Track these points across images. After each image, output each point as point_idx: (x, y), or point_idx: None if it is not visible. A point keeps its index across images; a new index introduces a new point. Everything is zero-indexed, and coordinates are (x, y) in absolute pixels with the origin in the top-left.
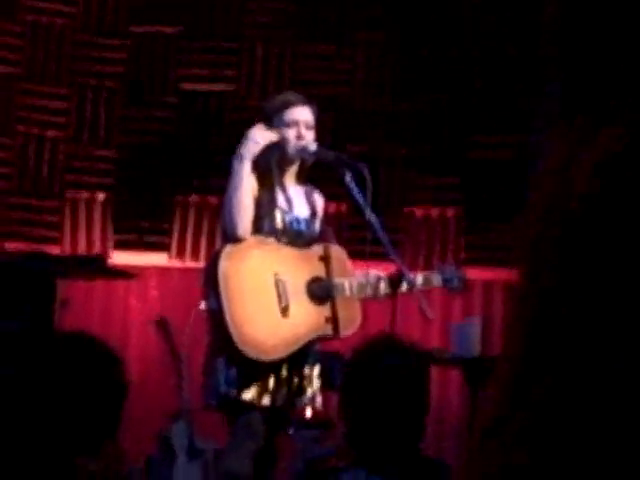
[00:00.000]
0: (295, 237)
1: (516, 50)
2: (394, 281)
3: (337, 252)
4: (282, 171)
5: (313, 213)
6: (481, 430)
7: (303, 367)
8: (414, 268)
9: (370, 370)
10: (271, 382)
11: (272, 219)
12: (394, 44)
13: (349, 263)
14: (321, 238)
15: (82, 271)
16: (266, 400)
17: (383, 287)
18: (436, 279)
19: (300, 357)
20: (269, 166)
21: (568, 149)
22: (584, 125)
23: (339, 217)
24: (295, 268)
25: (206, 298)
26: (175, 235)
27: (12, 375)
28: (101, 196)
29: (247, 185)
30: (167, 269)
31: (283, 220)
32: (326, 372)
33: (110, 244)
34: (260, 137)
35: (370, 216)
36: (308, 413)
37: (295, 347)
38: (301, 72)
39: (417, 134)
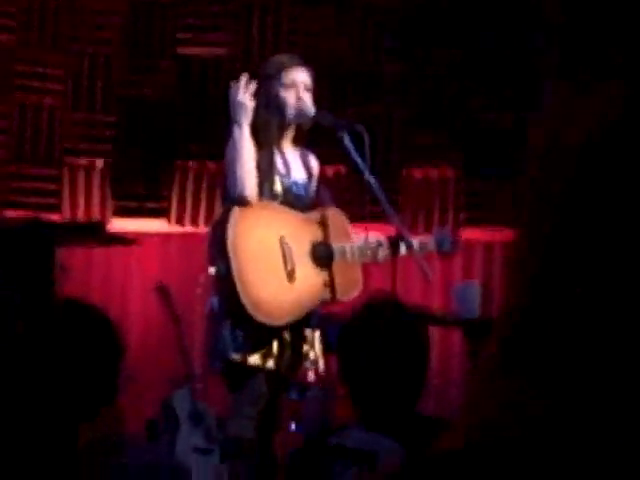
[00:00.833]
0: (294, 201)
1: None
2: (393, 244)
3: (336, 215)
4: (280, 135)
5: (310, 176)
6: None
7: (305, 330)
8: (414, 230)
9: (366, 328)
10: (275, 346)
11: (272, 183)
12: (396, 4)
13: (349, 226)
14: (318, 200)
15: (81, 238)
16: (270, 364)
17: (383, 251)
18: (431, 244)
19: (302, 320)
20: (268, 130)
21: (568, 99)
22: (583, 78)
23: (338, 179)
24: (299, 232)
25: (212, 261)
26: (174, 201)
27: (11, 342)
28: (99, 163)
29: (249, 149)
30: (166, 235)
31: (282, 184)
32: (323, 335)
33: (109, 211)
34: (241, 97)
35: (369, 178)
36: (311, 377)
37: (301, 311)
38: (299, 35)
39: (415, 95)
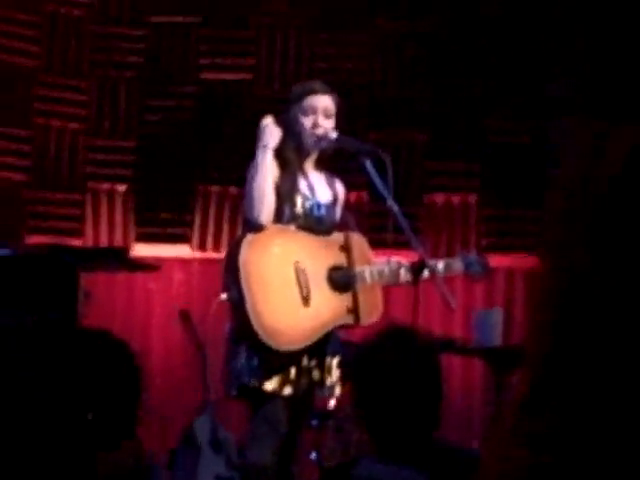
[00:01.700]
0: (316, 223)
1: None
2: (415, 268)
3: (358, 240)
4: (302, 158)
5: (334, 199)
6: (511, 418)
7: (324, 357)
8: (435, 256)
9: (376, 360)
10: (292, 372)
11: (293, 204)
12: (412, 30)
13: (370, 251)
14: (342, 224)
15: (104, 264)
16: (288, 390)
17: (404, 274)
18: (457, 265)
19: (321, 346)
20: (289, 153)
21: (593, 138)
22: (606, 119)
23: (360, 205)
24: (316, 256)
25: (226, 287)
26: (196, 226)
27: (34, 369)
28: (122, 188)
29: (269, 173)
30: (189, 260)
31: (303, 205)
32: (343, 362)
33: (132, 236)
34: (269, 121)
35: (391, 204)
36: (331, 404)
37: (316, 336)
38: (319, 60)
39: (436, 120)
